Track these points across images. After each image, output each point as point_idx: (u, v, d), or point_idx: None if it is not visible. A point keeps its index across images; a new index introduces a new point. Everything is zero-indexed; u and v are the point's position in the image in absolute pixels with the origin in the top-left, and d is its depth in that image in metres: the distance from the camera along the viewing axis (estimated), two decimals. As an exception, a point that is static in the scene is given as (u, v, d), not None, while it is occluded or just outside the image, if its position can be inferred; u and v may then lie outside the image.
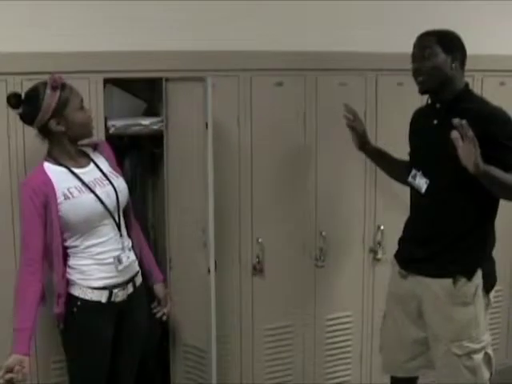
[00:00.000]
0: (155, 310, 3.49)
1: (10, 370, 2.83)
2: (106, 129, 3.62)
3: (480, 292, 3.22)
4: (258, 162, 3.92)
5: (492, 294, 3.31)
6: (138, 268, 3.30)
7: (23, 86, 3.33)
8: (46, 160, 3.09)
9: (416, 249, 3.36)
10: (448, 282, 3.20)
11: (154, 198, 4.21)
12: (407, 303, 3.42)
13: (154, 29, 3.71)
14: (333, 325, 4.30)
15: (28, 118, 3.05)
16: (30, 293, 2.97)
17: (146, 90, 3.99)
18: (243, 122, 3.86)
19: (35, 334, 3.18)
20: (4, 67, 3.34)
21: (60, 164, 3.07)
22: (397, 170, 3.61)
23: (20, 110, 3.04)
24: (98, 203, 3.07)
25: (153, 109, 3.97)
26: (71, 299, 3.07)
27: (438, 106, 3.27)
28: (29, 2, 3.47)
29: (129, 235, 3.29)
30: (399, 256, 3.49)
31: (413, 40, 3.26)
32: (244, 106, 3.85)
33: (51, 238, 3.01)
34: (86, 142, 3.23)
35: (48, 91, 2.99)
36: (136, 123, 3.76)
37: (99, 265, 3.10)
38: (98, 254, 3.10)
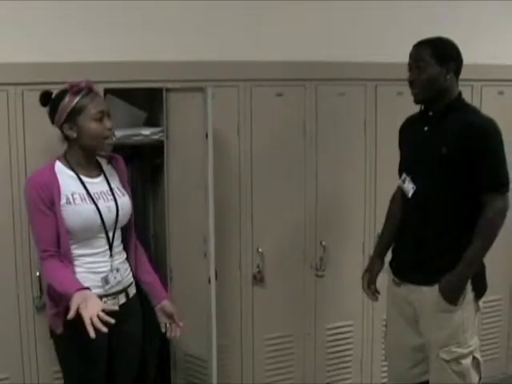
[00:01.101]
0: (167, 328, 3.35)
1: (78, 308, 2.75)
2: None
3: (469, 297, 3.23)
4: (257, 172, 3.93)
5: (481, 300, 3.32)
6: (131, 279, 3.26)
7: (24, 96, 3.36)
8: (59, 159, 3.08)
9: (405, 256, 3.39)
10: (435, 288, 3.22)
11: (154, 208, 4.22)
12: (404, 310, 3.43)
13: (154, 39, 3.73)
14: (333, 334, 4.30)
15: (50, 118, 3.07)
16: (63, 269, 2.97)
17: (146, 100, 4.00)
18: (243, 131, 3.87)
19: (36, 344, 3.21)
20: (5, 78, 3.36)
21: (71, 168, 3.07)
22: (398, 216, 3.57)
23: (47, 110, 3.08)
24: (97, 216, 3.05)
25: (153, 119, 3.98)
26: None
27: (430, 113, 3.30)
28: (27, 13, 3.48)
29: (126, 249, 3.28)
30: (393, 264, 3.51)
31: (410, 49, 3.28)
32: (244, 116, 3.86)
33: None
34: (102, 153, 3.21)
35: (67, 95, 3.00)
36: (136, 133, 3.77)
37: (90, 273, 3.06)
38: (89, 263, 3.07)
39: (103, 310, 2.75)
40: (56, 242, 2.99)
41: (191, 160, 3.61)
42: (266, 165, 3.94)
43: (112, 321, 2.74)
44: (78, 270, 3.05)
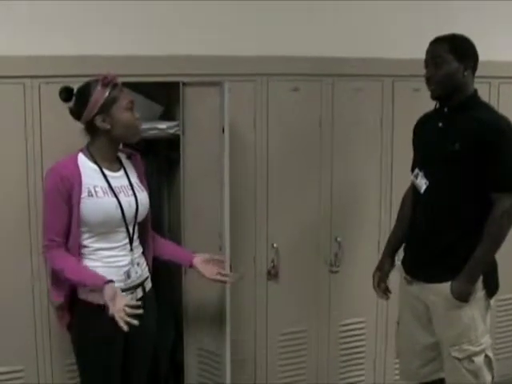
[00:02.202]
0: (221, 276, 3.41)
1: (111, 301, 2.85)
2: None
3: (479, 295, 3.22)
4: (273, 167, 3.93)
5: (493, 299, 3.32)
6: (147, 274, 3.29)
7: (41, 89, 3.37)
8: (82, 152, 3.10)
9: (416, 253, 3.40)
10: (445, 286, 3.21)
11: (169, 203, 4.22)
12: (416, 309, 3.43)
13: (171, 33, 3.73)
14: (347, 330, 4.30)
15: (76, 113, 3.07)
16: (74, 259, 3.02)
17: (162, 94, 4.00)
18: (259, 126, 3.87)
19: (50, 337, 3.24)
20: (22, 70, 3.36)
21: (94, 161, 3.08)
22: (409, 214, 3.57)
23: (70, 104, 3.07)
24: (119, 210, 3.07)
25: (169, 113, 3.98)
26: (79, 301, 3.05)
27: (445, 110, 3.29)
28: (46, 4, 3.48)
29: (143, 243, 3.30)
30: (404, 261, 3.50)
31: (427, 45, 3.27)
32: (260, 111, 3.86)
33: (72, 226, 3.02)
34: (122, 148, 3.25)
35: (98, 87, 3.01)
36: (152, 127, 3.76)
37: (108, 267, 3.08)
38: (108, 257, 3.09)
39: (127, 305, 2.83)
40: (65, 233, 3.03)
41: (207, 154, 3.61)
42: (282, 160, 3.94)
43: (135, 321, 2.80)
44: (95, 264, 3.07)
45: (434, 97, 3.28)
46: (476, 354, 3.25)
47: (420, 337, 3.45)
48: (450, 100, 3.24)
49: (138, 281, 3.19)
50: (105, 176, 3.09)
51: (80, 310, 3.08)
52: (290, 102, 3.93)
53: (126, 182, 3.17)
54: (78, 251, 3.04)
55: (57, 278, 3.09)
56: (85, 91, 3.04)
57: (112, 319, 2.83)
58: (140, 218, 3.20)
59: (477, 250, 3.15)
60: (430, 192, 3.30)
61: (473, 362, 3.25)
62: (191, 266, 3.42)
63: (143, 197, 3.22)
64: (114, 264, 3.10)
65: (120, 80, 3.39)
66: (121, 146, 3.23)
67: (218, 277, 3.40)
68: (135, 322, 2.78)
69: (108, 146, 3.11)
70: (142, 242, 3.29)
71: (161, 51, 3.62)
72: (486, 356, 3.28)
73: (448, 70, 3.17)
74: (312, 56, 3.94)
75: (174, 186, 4.06)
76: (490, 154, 3.10)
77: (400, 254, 3.57)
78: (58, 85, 3.19)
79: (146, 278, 3.27)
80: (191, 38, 3.74)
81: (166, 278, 3.99)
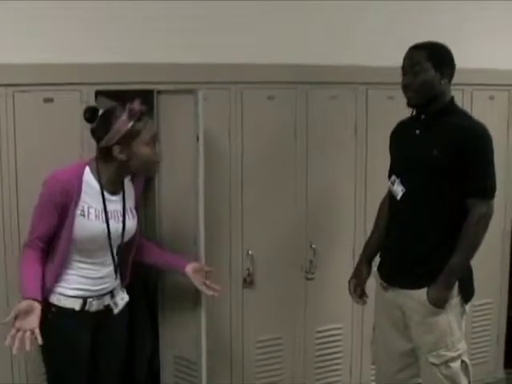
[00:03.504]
0: (207, 287, 3.45)
1: (18, 314, 2.81)
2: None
3: (455, 301, 3.25)
4: (248, 175, 3.93)
5: (469, 305, 3.34)
6: (118, 281, 3.29)
7: (15, 98, 3.35)
8: (90, 167, 3.07)
9: (392, 259, 3.42)
10: (422, 292, 3.23)
11: (145, 210, 4.20)
12: (392, 315, 3.44)
13: (145, 41, 3.71)
14: (323, 337, 4.31)
15: (96, 136, 3.03)
16: (36, 266, 3.01)
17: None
18: (234, 134, 3.87)
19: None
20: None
21: (98, 181, 3.05)
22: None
23: (93, 125, 3.03)
24: (105, 234, 3.07)
25: (144, 121, 3.97)
26: (46, 306, 3.01)
27: (422, 117, 3.31)
28: (20, 14, 3.46)
29: (127, 256, 3.31)
30: (380, 267, 3.52)
31: (402, 53, 3.29)
32: (235, 119, 3.86)
33: (61, 236, 3.02)
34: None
35: (123, 117, 2.96)
36: (127, 135, 3.74)
37: (79, 277, 3.09)
38: (84, 268, 3.10)
39: (33, 332, 2.78)
40: (46, 240, 3.03)
41: (182, 162, 3.61)
42: (257, 167, 3.95)
43: (28, 348, 2.77)
44: (69, 271, 3.08)
45: (410, 104, 3.29)
46: (453, 359, 3.27)
47: (396, 343, 3.46)
48: (427, 107, 3.26)
49: (106, 290, 3.19)
50: (103, 199, 3.07)
51: (47, 312, 3.02)
52: (265, 109, 3.94)
53: (120, 208, 3.16)
54: (62, 260, 3.04)
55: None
56: (109, 117, 2.98)
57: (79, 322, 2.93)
58: (125, 240, 3.21)
59: (453, 257, 3.17)
60: (406, 198, 3.31)
61: (449, 367, 3.27)
62: (183, 273, 3.45)
63: (131, 226, 3.21)
64: (88, 275, 3.11)
65: (95, 88, 3.42)
66: None
67: (203, 287, 3.45)
68: (28, 347, 2.76)
69: (118, 173, 3.09)
70: (127, 255, 3.31)
71: (135, 59, 3.62)
72: (463, 361, 3.30)
73: (426, 77, 3.19)
74: (287, 63, 3.95)
75: (149, 194, 4.05)
76: (467, 161, 3.12)
77: (376, 260, 3.59)
78: (33, 93, 3.18)
79: (116, 287, 3.27)
80: (165, 45, 3.73)
81: (143, 287, 4.00)
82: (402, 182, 3.33)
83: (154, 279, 3.88)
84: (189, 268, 3.44)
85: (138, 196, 3.32)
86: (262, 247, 4.00)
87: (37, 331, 2.80)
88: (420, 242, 3.27)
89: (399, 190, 3.33)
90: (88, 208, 3.02)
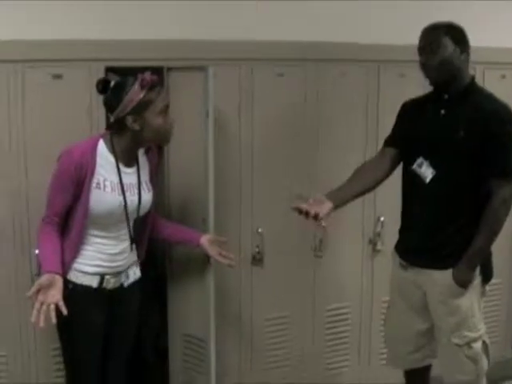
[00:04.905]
0: (223, 257, 3.49)
1: (40, 289, 2.82)
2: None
3: (477, 281, 3.26)
4: (258, 152, 3.92)
5: (487, 285, 3.36)
6: (135, 258, 3.31)
7: (24, 74, 3.34)
8: (103, 139, 3.09)
9: (416, 240, 3.39)
10: (447, 273, 3.22)
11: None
12: (410, 294, 3.43)
13: (156, 17, 3.70)
14: (332, 315, 4.30)
15: (109, 106, 3.05)
16: (54, 240, 3.03)
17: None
18: (244, 111, 3.85)
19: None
20: (3, 55, 3.33)
21: (113, 153, 3.07)
22: (369, 179, 3.55)
23: (106, 97, 3.05)
24: (122, 207, 3.09)
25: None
26: (64, 282, 3.01)
27: (445, 96, 3.27)
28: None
29: (143, 231, 3.33)
30: (399, 247, 3.50)
31: (413, 31, 3.26)
32: (245, 96, 3.84)
33: (77, 210, 3.03)
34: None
35: (135, 87, 2.98)
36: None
37: (97, 252, 3.11)
38: (100, 244, 3.12)
39: (57, 305, 2.81)
40: (63, 215, 3.04)
41: (192, 140, 3.60)
42: (267, 144, 3.93)
43: (54, 320, 2.79)
44: (86, 247, 3.09)
45: (433, 83, 3.27)
46: (475, 340, 3.30)
47: (413, 323, 3.47)
48: (448, 86, 3.23)
49: (127, 264, 3.22)
50: (119, 171, 3.08)
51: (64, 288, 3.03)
52: (275, 86, 3.91)
53: (136, 180, 3.17)
54: (79, 234, 3.06)
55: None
56: (121, 88, 2.99)
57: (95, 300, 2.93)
58: (141, 214, 3.23)
59: (477, 238, 3.18)
60: (436, 182, 3.27)
61: (471, 348, 3.29)
62: (198, 245, 3.47)
63: (147, 198, 3.23)
64: (105, 251, 3.13)
65: (105, 64, 3.41)
66: None
67: (220, 257, 3.47)
68: (54, 320, 2.79)
69: (132, 145, 3.10)
70: (143, 230, 3.33)
71: (145, 35, 3.60)
72: (484, 342, 3.33)
73: (446, 53, 3.16)
74: (297, 40, 3.92)
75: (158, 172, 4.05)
76: (492, 141, 3.11)
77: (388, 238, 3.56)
78: (42, 69, 3.17)
79: (132, 264, 3.29)
80: (176, 22, 3.71)
81: (150, 263, 4.00)
82: (432, 165, 3.28)
83: (162, 256, 3.87)
84: (204, 239, 3.46)
85: (153, 169, 3.32)
86: (271, 225, 3.99)
87: (61, 303, 2.82)
88: (448, 224, 3.26)
89: (429, 173, 3.28)
90: (104, 181, 3.03)
